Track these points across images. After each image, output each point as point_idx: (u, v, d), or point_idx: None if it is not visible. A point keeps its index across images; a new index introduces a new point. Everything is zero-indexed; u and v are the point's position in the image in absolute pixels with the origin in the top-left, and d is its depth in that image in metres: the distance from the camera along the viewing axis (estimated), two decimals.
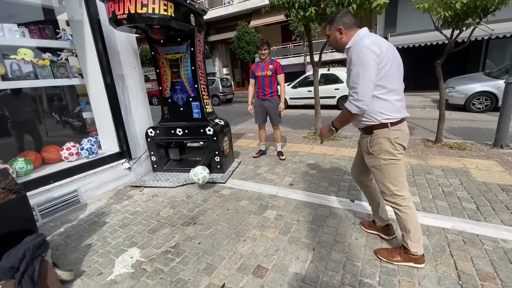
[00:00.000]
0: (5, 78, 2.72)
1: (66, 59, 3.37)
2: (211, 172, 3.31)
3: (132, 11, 2.43)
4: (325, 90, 8.89)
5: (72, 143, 3.14)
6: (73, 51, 3.37)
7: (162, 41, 3.22)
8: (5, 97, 3.17)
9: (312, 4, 3.95)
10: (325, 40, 5.04)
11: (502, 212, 2.27)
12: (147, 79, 16.64)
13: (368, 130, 1.65)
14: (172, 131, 3.45)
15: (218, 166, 3.47)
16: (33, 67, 2.92)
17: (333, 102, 9.31)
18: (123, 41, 3.27)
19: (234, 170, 3.63)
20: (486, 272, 1.65)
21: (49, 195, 2.67)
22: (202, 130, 3.34)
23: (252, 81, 3.91)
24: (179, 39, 3.21)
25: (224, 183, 3.24)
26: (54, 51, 3.27)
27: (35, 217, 2.50)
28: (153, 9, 2.45)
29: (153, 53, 3.37)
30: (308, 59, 13.03)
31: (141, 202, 2.90)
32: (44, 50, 3.16)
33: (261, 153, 4.24)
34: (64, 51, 3.39)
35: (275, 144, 4.24)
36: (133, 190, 3.23)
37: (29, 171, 2.74)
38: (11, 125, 3.31)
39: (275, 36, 16.79)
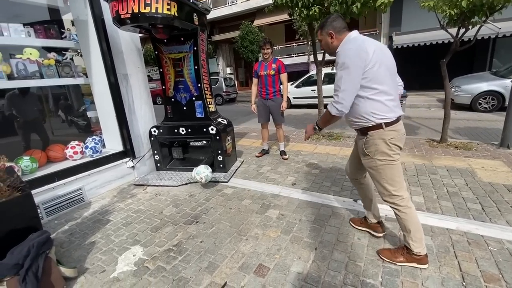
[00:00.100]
0: (11, 77, 2.75)
1: (71, 59, 3.41)
2: (213, 171, 3.32)
3: (136, 11, 2.44)
4: (329, 89, 8.74)
5: (76, 142, 3.18)
6: (78, 50, 3.40)
7: (165, 40, 3.23)
8: (13, 96, 3.22)
9: (316, 3, 3.94)
10: None
11: (508, 213, 2.24)
12: (149, 79, 16.72)
13: (363, 131, 1.65)
14: (175, 130, 3.46)
15: (221, 165, 3.48)
16: (38, 66, 2.95)
17: None
18: (127, 41, 3.30)
19: (236, 170, 3.63)
20: (491, 273, 1.63)
21: (54, 193, 2.70)
22: (205, 129, 3.35)
23: (255, 80, 3.91)
24: (182, 39, 3.22)
25: (226, 182, 3.24)
26: (59, 51, 3.31)
27: (40, 215, 2.53)
28: (156, 8, 2.46)
29: (156, 52, 3.39)
30: (311, 58, 13.00)
31: (144, 201, 2.92)
32: (49, 49, 3.20)
33: (264, 152, 4.23)
34: (69, 50, 3.43)
35: (278, 143, 4.23)
36: (137, 189, 3.25)
37: (34, 169, 2.77)
38: (19, 124, 3.35)
39: (279, 35, 16.74)
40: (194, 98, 3.44)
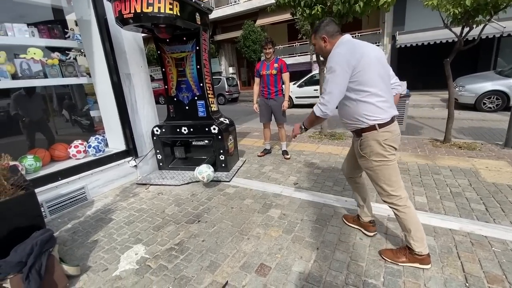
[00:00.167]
0: (15, 77, 2.78)
1: (75, 59, 3.43)
2: (215, 170, 3.32)
3: (138, 10, 2.45)
4: None
5: (80, 141, 3.20)
6: (81, 50, 3.42)
7: (167, 40, 3.24)
8: (20, 97, 3.25)
9: (318, 2, 3.93)
10: None
11: None
12: (151, 79, 16.77)
13: (358, 132, 1.67)
14: (178, 130, 3.47)
15: (223, 165, 3.48)
16: (42, 66, 2.97)
17: None
18: (130, 41, 3.31)
19: (238, 169, 3.63)
20: (494, 274, 1.61)
21: (57, 192, 2.73)
22: (207, 129, 3.36)
23: (257, 79, 3.91)
24: (184, 38, 3.22)
25: (228, 181, 3.25)
26: (63, 51, 3.34)
27: (44, 213, 2.55)
28: (159, 8, 2.47)
29: (159, 52, 3.40)
30: (314, 57, 12.96)
31: (147, 200, 2.93)
32: (53, 49, 3.22)
33: (266, 152, 4.23)
34: (73, 50, 3.46)
35: (280, 143, 4.22)
36: (139, 188, 3.26)
37: (38, 168, 2.79)
38: (25, 124, 3.37)
39: (281, 35, 16.72)
40: (196, 98, 3.44)
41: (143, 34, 3.38)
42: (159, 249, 2.06)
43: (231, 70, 19.15)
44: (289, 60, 14.68)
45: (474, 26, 3.66)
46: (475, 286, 1.54)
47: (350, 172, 2.02)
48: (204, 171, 3.04)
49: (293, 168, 3.58)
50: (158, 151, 3.63)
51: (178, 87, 3.48)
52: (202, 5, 3.08)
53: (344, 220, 2.24)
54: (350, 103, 1.60)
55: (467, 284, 1.55)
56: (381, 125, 1.56)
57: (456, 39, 3.83)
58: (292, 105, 9.88)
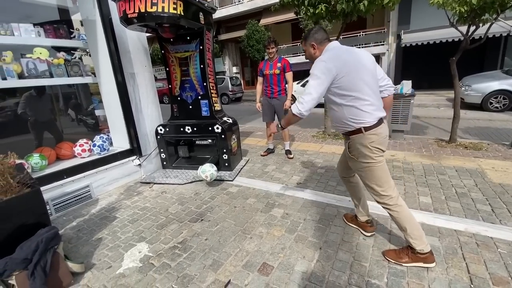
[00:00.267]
0: (21, 76, 2.81)
1: (80, 58, 3.46)
2: (219, 169, 3.33)
3: (142, 10, 2.47)
4: None
5: (85, 140, 3.23)
6: (86, 50, 3.46)
7: (171, 39, 3.25)
8: (30, 97, 3.31)
9: (322, 1, 3.90)
10: (335, 38, 4.98)
11: None
12: (154, 79, 16.88)
13: (346, 135, 1.74)
14: (181, 129, 3.48)
15: (226, 164, 3.49)
16: (48, 65, 3.00)
17: None
18: (134, 40, 3.33)
19: (242, 168, 3.64)
20: (500, 276, 1.59)
21: (62, 190, 2.76)
22: (210, 128, 3.36)
23: (260, 79, 3.90)
24: (188, 38, 3.24)
25: (231, 180, 3.25)
26: (68, 50, 3.37)
27: (49, 211, 2.59)
28: (163, 7, 2.48)
29: (163, 51, 3.42)
30: None
31: (151, 198, 2.95)
32: (58, 49, 3.26)
33: (269, 151, 4.23)
34: (78, 50, 3.49)
35: (283, 142, 4.22)
36: (143, 187, 3.28)
37: (44, 167, 2.83)
38: (33, 124, 3.42)
39: (285, 34, 16.68)
40: (200, 97, 3.45)
41: (148, 34, 3.40)
42: (163, 248, 2.07)
43: (234, 69, 19.16)
44: (293, 60, 14.65)
45: (481, 24, 3.61)
46: (480, 287, 1.52)
47: (343, 171, 2.05)
48: (208, 170, 3.05)
49: (296, 167, 3.58)
50: (162, 150, 3.65)
51: (181, 87, 3.50)
52: (206, 5, 3.08)
53: (344, 219, 2.25)
54: (336, 107, 1.68)
55: (472, 286, 1.54)
56: (367, 128, 1.61)
57: (462, 38, 3.79)
58: None
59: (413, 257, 1.69)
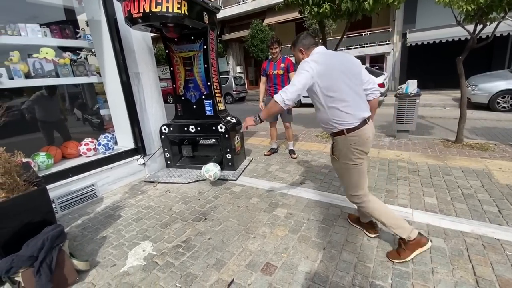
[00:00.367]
0: (28, 76, 2.85)
1: (85, 58, 3.49)
2: (222, 169, 3.33)
3: (147, 10, 2.48)
4: None
5: (90, 139, 3.26)
6: (92, 50, 3.49)
7: (176, 39, 3.26)
8: (41, 96, 3.36)
9: (327, 0, 3.88)
10: (340, 37, 4.95)
11: None
12: (159, 79, 16.95)
13: (332, 136, 1.82)
14: (185, 128, 3.50)
15: (230, 164, 3.49)
16: (54, 65, 3.04)
17: None
18: (139, 40, 3.35)
19: (245, 168, 3.64)
20: (507, 278, 1.56)
21: (68, 188, 2.79)
22: (214, 128, 3.37)
23: (263, 78, 3.89)
24: (192, 37, 3.24)
25: (235, 180, 3.25)
26: (74, 50, 3.40)
27: (55, 209, 2.62)
28: (167, 7, 2.49)
29: (167, 51, 3.43)
30: None
31: (155, 197, 2.97)
32: (64, 49, 3.29)
33: (273, 151, 4.22)
34: (83, 50, 3.52)
35: (286, 142, 4.21)
36: (147, 185, 3.31)
37: (50, 165, 2.86)
38: (44, 123, 3.47)
39: (289, 34, 16.62)
40: (203, 97, 3.46)
41: (152, 34, 3.41)
42: (166, 246, 2.08)
43: (238, 69, 19.18)
44: None
45: (488, 23, 3.56)
46: None
47: None
48: (211, 169, 3.05)
49: (300, 167, 3.57)
50: (166, 149, 3.67)
51: (186, 86, 3.51)
52: (210, 4, 3.09)
53: (348, 219, 2.24)
54: (321, 108, 1.74)
55: None
56: (349, 130, 1.68)
57: (468, 37, 3.73)
58: (300, 105, 9.80)
59: (409, 247, 1.73)
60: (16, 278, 1.60)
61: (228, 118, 3.60)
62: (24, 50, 2.87)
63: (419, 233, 1.75)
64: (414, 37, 11.01)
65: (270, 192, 2.88)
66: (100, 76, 3.42)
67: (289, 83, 4.12)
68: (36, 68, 2.91)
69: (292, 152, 4.02)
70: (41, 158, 2.78)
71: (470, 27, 3.72)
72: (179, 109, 3.63)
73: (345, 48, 13.72)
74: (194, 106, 3.54)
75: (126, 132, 3.49)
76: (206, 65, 3.31)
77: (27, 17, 3.07)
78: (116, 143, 3.60)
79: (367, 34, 13.52)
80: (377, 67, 12.68)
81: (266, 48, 14.39)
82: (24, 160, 2.37)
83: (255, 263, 1.83)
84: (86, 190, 2.94)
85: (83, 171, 2.94)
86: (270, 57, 3.83)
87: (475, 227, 2.05)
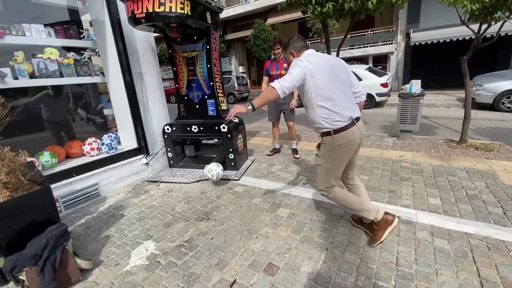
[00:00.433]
0: (33, 76, 2.87)
1: (89, 58, 3.52)
2: (225, 169, 3.34)
3: (150, 10, 2.49)
4: None
5: (93, 139, 3.28)
6: (95, 50, 3.50)
7: (179, 39, 3.27)
8: (48, 96, 3.39)
9: (330, 0, 3.87)
10: (343, 37, 4.93)
11: None
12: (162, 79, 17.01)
13: (321, 136, 1.89)
14: (188, 128, 3.50)
15: (232, 163, 3.49)
16: (58, 65, 3.06)
17: None
18: (142, 40, 3.36)
19: (248, 168, 3.64)
20: None
21: (71, 188, 2.80)
22: (216, 128, 3.37)
23: (266, 78, 3.88)
24: (195, 37, 3.25)
25: (237, 180, 3.25)
26: (78, 50, 3.42)
27: (59, 208, 2.63)
28: (170, 7, 2.49)
29: (170, 51, 3.44)
30: None
31: (157, 197, 2.98)
32: (68, 49, 3.31)
33: (275, 151, 4.21)
34: (87, 50, 3.54)
35: (289, 142, 4.20)
36: (150, 185, 3.32)
37: (54, 165, 2.88)
38: (50, 123, 3.50)
39: (292, 34, 16.60)
40: (206, 97, 3.47)
41: (155, 34, 3.42)
42: (169, 246, 2.09)
43: (241, 69, 19.18)
44: None
45: (493, 23, 3.52)
46: None
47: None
48: (214, 169, 3.06)
49: (302, 167, 3.56)
50: (168, 149, 3.68)
51: (188, 86, 3.52)
52: (213, 4, 3.09)
53: (351, 220, 2.23)
54: (310, 106, 1.81)
55: None
56: (336, 131, 1.75)
57: (473, 37, 3.70)
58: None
59: (379, 227, 1.90)
60: (20, 277, 1.61)
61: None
62: (28, 50, 2.89)
63: (385, 212, 1.93)
64: (418, 37, 10.93)
65: (272, 192, 2.88)
66: (104, 76, 3.44)
67: None
68: (41, 68, 2.93)
69: (295, 151, 4.02)
70: (45, 157, 2.80)
71: (475, 27, 3.68)
72: (182, 109, 3.64)
73: (348, 47, 13.66)
74: (197, 106, 3.55)
75: (129, 132, 3.51)
76: (209, 65, 3.31)
77: (31, 18, 3.09)
78: (119, 142, 3.62)
79: (370, 33, 13.46)
80: (380, 67, 12.60)
81: (269, 48, 14.39)
82: (29, 159, 2.39)
83: (257, 263, 1.83)
84: (90, 190, 2.95)
85: (86, 171, 2.96)
86: (272, 57, 3.82)
87: (480, 228, 2.04)
